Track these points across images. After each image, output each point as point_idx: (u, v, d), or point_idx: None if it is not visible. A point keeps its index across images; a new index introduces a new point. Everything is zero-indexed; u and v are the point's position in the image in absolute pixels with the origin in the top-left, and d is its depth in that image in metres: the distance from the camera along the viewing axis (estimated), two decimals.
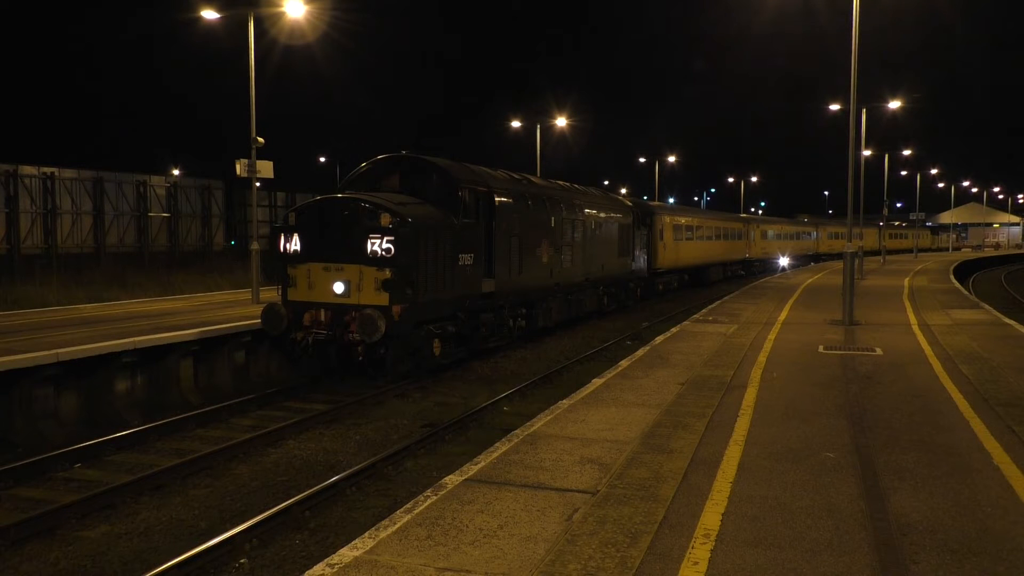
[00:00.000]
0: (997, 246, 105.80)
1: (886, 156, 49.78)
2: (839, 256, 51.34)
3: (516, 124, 39.57)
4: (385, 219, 12.77)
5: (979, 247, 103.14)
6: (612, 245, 23.83)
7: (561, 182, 22.20)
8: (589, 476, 6.41)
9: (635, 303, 27.09)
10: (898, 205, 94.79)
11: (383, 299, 12.66)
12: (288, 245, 13.34)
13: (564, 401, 9.17)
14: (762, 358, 11.93)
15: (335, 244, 13.01)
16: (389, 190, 14.73)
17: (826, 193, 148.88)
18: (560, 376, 14.74)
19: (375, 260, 12.75)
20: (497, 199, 15.93)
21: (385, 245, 12.71)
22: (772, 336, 14.42)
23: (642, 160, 68.02)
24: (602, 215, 22.91)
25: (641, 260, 27.50)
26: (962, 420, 8.16)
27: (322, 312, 12.97)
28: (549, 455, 6.99)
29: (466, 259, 14.59)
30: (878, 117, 39.58)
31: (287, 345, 13.44)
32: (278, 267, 13.73)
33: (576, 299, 20.88)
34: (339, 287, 12.93)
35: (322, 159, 75.26)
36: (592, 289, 22.19)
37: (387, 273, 12.70)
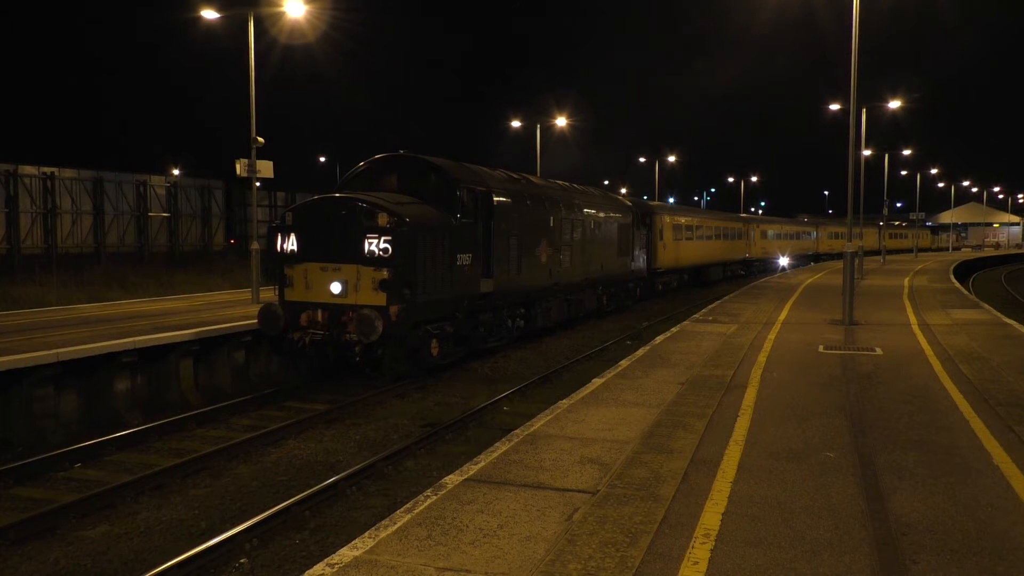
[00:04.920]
0: (997, 246, 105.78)
1: (886, 156, 49.81)
2: (839, 256, 51.37)
3: (516, 124, 39.55)
4: (382, 219, 12.71)
5: (979, 247, 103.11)
6: (611, 245, 23.79)
7: (560, 182, 22.18)
8: (589, 476, 6.41)
9: (634, 303, 27.07)
10: (898, 205, 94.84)
11: (380, 299, 12.61)
12: (285, 245, 13.27)
13: (564, 401, 9.17)
14: (762, 358, 11.93)
15: (332, 244, 12.94)
16: (387, 190, 14.65)
17: (826, 193, 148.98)
18: (560, 376, 14.73)
19: (372, 260, 12.68)
20: (496, 199, 15.89)
21: (382, 245, 12.65)
22: (772, 336, 14.42)
23: (642, 160, 68.04)
24: (601, 215, 22.88)
25: (641, 260, 27.47)
26: (962, 420, 8.16)
27: (319, 312, 12.91)
28: (549, 455, 6.99)
29: (464, 259, 14.54)
30: (878, 117, 39.57)
31: (284, 345, 13.39)
32: (275, 267, 13.67)
33: (575, 299, 20.84)
34: (336, 287, 12.87)
35: (322, 159, 75.37)
36: (591, 289, 22.15)
37: (384, 273, 12.64)
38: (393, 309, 12.54)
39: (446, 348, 14.28)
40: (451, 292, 14.12)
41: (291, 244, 13.22)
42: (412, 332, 13.13)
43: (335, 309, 12.81)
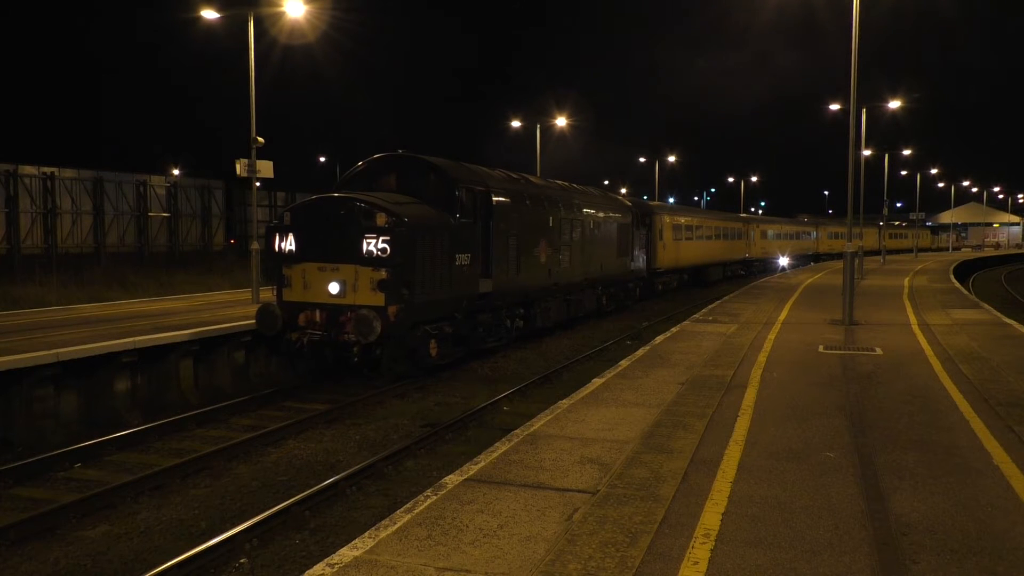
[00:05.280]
0: (997, 246, 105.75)
1: (886, 156, 49.80)
2: (839, 256, 51.34)
3: (516, 124, 39.52)
4: (381, 219, 12.65)
5: (979, 247, 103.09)
6: (611, 245, 23.78)
7: (560, 182, 22.16)
8: (589, 476, 6.41)
9: (634, 303, 27.04)
10: (898, 205, 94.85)
11: (379, 299, 12.55)
12: (283, 245, 13.21)
13: (564, 401, 9.17)
14: (762, 358, 11.93)
15: (330, 244, 12.88)
16: (386, 190, 14.59)
17: (826, 193, 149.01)
18: (560, 376, 14.73)
19: (371, 260, 12.62)
20: (495, 199, 15.84)
21: (381, 245, 12.58)
22: (772, 336, 14.42)
23: (642, 160, 68.01)
24: (601, 215, 22.86)
25: (640, 260, 27.45)
26: (962, 420, 8.16)
27: (317, 313, 12.85)
28: (549, 455, 7.00)
29: (463, 259, 14.48)
30: (878, 117, 39.56)
31: (282, 346, 13.33)
32: (273, 267, 13.58)
33: (575, 299, 20.80)
34: (334, 287, 12.80)
35: (322, 159, 75.36)
36: (591, 289, 22.13)
37: (383, 273, 12.57)
38: (391, 309, 12.50)
39: (445, 348, 14.23)
40: (450, 292, 14.08)
41: (289, 244, 13.17)
42: (410, 332, 13.10)
43: (333, 309, 12.77)
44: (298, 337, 12.91)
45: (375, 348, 12.89)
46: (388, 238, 12.58)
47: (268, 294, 14.21)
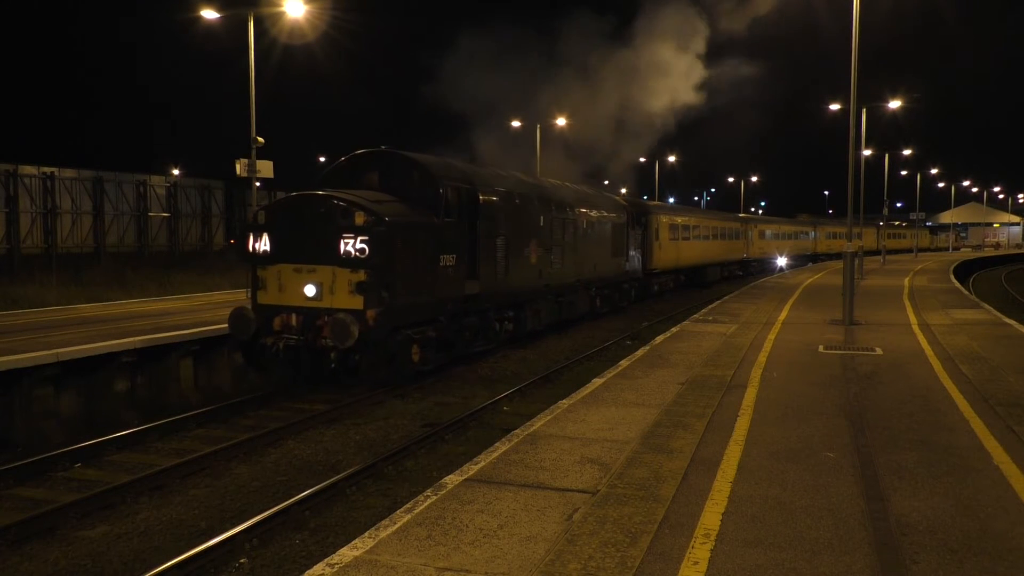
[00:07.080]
0: (997, 246, 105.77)
1: (886, 156, 49.83)
2: (837, 256, 51.36)
3: (516, 124, 39.51)
4: (359, 218, 12.13)
5: (979, 247, 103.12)
6: (605, 245, 23.42)
7: (552, 180, 21.91)
8: (589, 476, 6.41)
9: (629, 304, 26.81)
10: (898, 205, 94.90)
11: (357, 302, 12.04)
12: (257, 245, 12.62)
13: (564, 401, 9.17)
14: (762, 358, 11.93)
15: (307, 244, 12.34)
16: (368, 187, 13.97)
17: (826, 193, 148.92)
18: (560, 376, 14.72)
19: (349, 261, 12.09)
20: (482, 197, 15.30)
21: (359, 245, 12.04)
22: (772, 336, 14.42)
23: (642, 160, 67.89)
24: (594, 214, 22.47)
25: (636, 260, 27.14)
26: (962, 420, 8.16)
27: (293, 316, 12.30)
28: (549, 455, 7.00)
29: (448, 260, 13.96)
30: (879, 117, 39.60)
31: (256, 351, 12.68)
32: (248, 268, 13.02)
33: (567, 301, 20.34)
34: (310, 290, 12.25)
35: (322, 159, 75.32)
36: (584, 291, 21.72)
37: (361, 275, 12.06)
38: (370, 313, 11.97)
39: (428, 353, 13.61)
40: (433, 294, 13.55)
41: (264, 244, 12.57)
42: (391, 337, 12.51)
43: (309, 313, 12.21)
44: (273, 342, 12.31)
45: (353, 353, 12.30)
46: (367, 238, 12.02)
47: None
